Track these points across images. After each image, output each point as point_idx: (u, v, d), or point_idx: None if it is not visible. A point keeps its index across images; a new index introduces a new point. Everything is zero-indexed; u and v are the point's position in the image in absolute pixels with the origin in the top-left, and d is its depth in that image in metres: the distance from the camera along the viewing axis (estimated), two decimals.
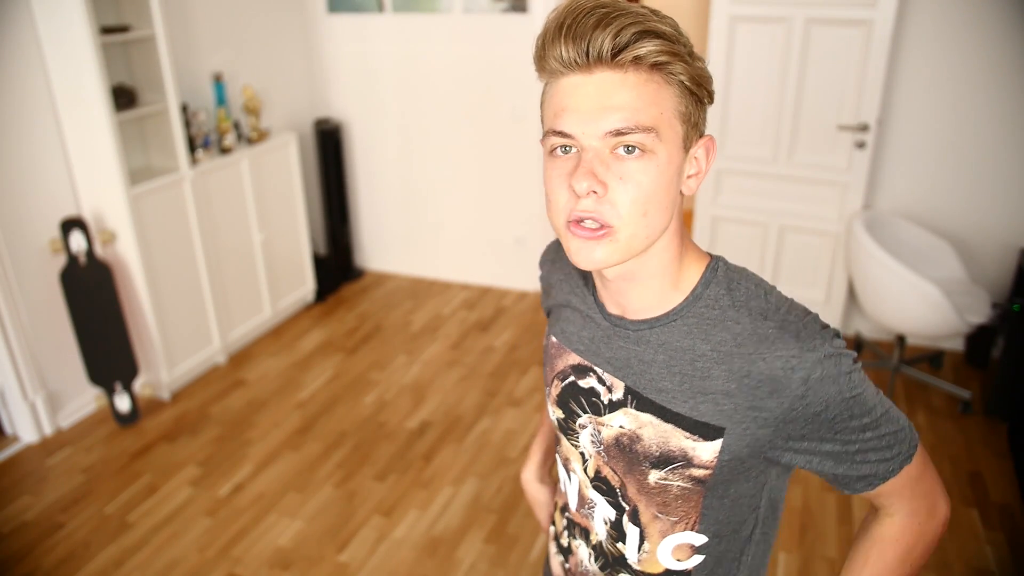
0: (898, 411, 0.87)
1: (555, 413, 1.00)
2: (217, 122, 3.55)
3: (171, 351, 3.37)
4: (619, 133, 0.75)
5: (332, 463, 2.97)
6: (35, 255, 3.04)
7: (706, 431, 0.84)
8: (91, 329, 3.13)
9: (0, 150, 2.87)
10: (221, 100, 3.60)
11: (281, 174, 3.91)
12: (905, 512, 0.90)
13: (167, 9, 3.25)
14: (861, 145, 3.37)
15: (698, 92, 0.79)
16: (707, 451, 0.85)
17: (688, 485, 0.88)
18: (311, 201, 4.46)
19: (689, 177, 0.83)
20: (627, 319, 0.89)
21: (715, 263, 0.89)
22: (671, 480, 0.88)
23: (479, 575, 2.44)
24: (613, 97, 0.74)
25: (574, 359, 0.96)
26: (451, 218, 4.42)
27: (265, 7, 3.96)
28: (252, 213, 3.72)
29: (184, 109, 3.32)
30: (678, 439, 0.86)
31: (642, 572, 0.97)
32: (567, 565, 1.09)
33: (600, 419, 0.93)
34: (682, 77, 0.77)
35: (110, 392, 3.21)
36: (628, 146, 0.76)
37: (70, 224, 3.02)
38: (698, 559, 0.94)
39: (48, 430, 3.17)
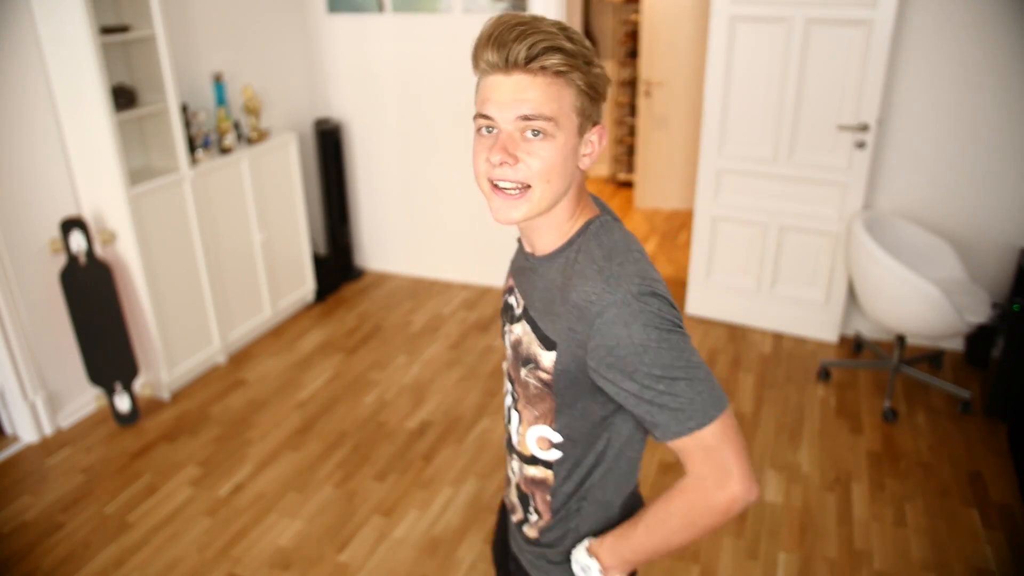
0: (709, 386, 1.01)
1: (501, 320, 1.30)
2: (217, 122, 3.55)
3: (171, 351, 3.38)
4: (526, 119, 0.99)
5: (332, 463, 2.97)
6: (35, 255, 3.04)
7: (547, 343, 1.08)
8: (91, 329, 3.13)
9: (0, 150, 2.87)
10: (221, 100, 3.60)
11: (281, 174, 3.91)
12: (694, 474, 1.03)
13: (167, 9, 3.25)
14: (861, 145, 3.38)
15: (592, 93, 1.02)
16: (547, 359, 1.09)
17: (540, 385, 1.12)
18: (311, 201, 4.47)
19: (584, 156, 1.06)
20: (534, 256, 1.15)
21: (591, 221, 1.10)
22: (531, 379, 1.13)
23: (479, 575, 2.44)
24: (524, 93, 0.98)
25: (510, 281, 1.25)
26: (451, 218, 4.42)
27: (265, 7, 3.96)
28: (252, 213, 3.72)
29: (184, 109, 3.32)
30: (535, 347, 1.11)
31: (520, 453, 1.23)
32: (507, 471, 1.34)
33: (511, 327, 1.20)
34: (579, 82, 1.00)
35: (110, 392, 3.21)
36: (534, 130, 0.99)
37: (70, 224, 3.02)
38: (556, 454, 1.17)
39: (48, 430, 3.17)
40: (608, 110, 6.41)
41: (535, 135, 1.00)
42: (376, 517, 2.69)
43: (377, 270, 4.74)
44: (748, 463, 1.02)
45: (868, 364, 3.49)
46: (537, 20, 0.99)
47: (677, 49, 5.41)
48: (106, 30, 2.95)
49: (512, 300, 1.22)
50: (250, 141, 3.73)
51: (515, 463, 1.26)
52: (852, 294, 3.70)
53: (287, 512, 2.72)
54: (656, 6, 5.37)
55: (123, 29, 3.04)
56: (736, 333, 3.91)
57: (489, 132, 1.03)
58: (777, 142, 3.57)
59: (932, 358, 3.53)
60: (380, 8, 4.10)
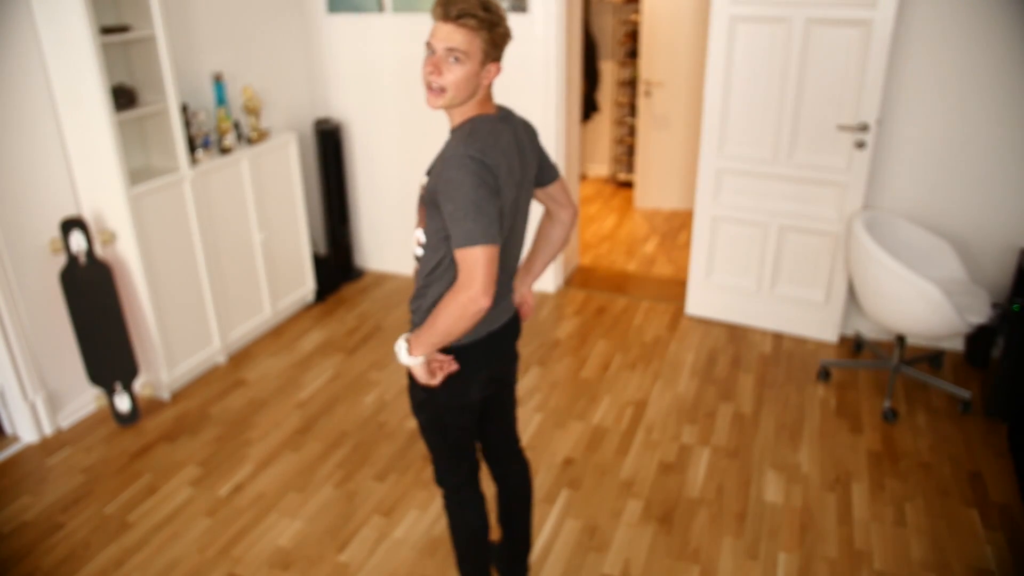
0: (486, 224, 1.60)
1: None
2: (217, 122, 3.55)
3: (171, 351, 3.38)
4: (450, 50, 1.62)
5: (332, 463, 2.97)
6: (35, 255, 3.04)
7: (428, 172, 1.74)
8: (91, 329, 3.13)
9: (0, 150, 2.87)
10: (221, 100, 3.60)
11: (281, 174, 3.91)
12: (458, 280, 1.64)
13: (167, 9, 3.26)
14: (861, 145, 3.38)
15: (494, 43, 1.66)
16: (425, 181, 1.74)
17: (420, 199, 1.77)
18: (311, 201, 4.47)
19: (484, 78, 1.69)
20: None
21: (475, 118, 1.72)
22: (421, 195, 1.76)
23: None
24: (451, 35, 1.62)
25: None
26: None
27: (265, 7, 3.96)
28: (252, 213, 3.72)
29: (184, 109, 3.32)
30: (428, 182, 1.72)
31: (414, 254, 1.93)
32: None
33: (425, 177, 1.77)
34: (484, 36, 1.63)
35: (110, 392, 3.21)
36: (454, 57, 1.63)
37: (70, 224, 3.02)
38: (420, 251, 1.80)
39: (48, 430, 3.17)
40: (608, 110, 6.41)
41: (456, 60, 1.63)
42: (376, 517, 2.69)
43: (377, 270, 4.74)
44: (489, 284, 1.60)
45: (868, 364, 3.49)
46: None
47: (677, 49, 5.41)
48: (106, 30, 2.95)
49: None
50: (250, 141, 3.73)
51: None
52: (852, 294, 3.70)
53: (287, 512, 2.72)
54: (656, 6, 5.37)
55: (123, 29, 3.04)
56: (736, 333, 3.91)
57: (431, 54, 1.65)
58: (777, 142, 3.57)
59: (932, 358, 3.53)
60: (380, 8, 4.10)
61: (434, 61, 1.64)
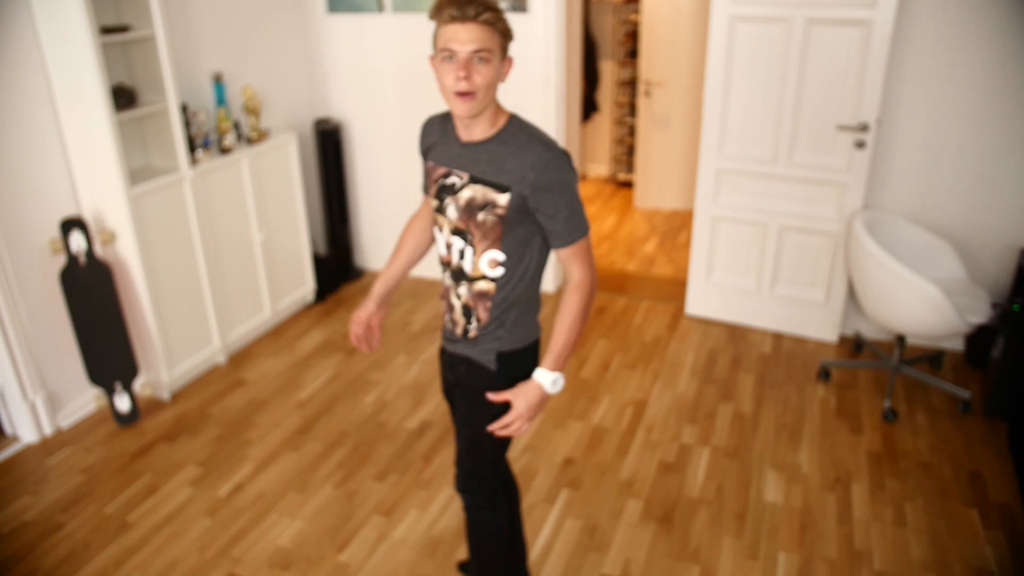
0: (584, 215, 1.70)
1: (433, 203, 1.82)
2: (217, 122, 3.55)
3: (171, 351, 3.38)
4: (477, 51, 1.58)
5: (332, 463, 2.97)
6: (35, 255, 3.04)
7: (502, 188, 1.67)
8: (91, 329, 3.13)
9: (0, 150, 2.87)
10: (221, 100, 3.60)
11: (281, 174, 3.91)
12: (577, 274, 1.72)
13: (167, 9, 3.26)
14: (861, 145, 3.38)
15: (507, 37, 1.64)
16: (503, 199, 1.68)
17: (495, 219, 1.70)
18: (311, 201, 4.47)
19: (503, 74, 1.66)
20: (472, 142, 1.72)
21: (512, 117, 1.71)
22: (488, 217, 1.70)
23: None
24: (476, 35, 1.57)
25: (443, 170, 1.78)
26: None
27: (265, 7, 3.96)
28: (252, 213, 3.72)
29: (184, 109, 3.32)
30: (492, 194, 1.69)
31: (471, 277, 1.79)
32: (448, 303, 1.88)
33: (457, 196, 1.74)
34: (500, 31, 1.61)
35: (110, 392, 3.21)
36: (481, 57, 1.58)
37: (70, 224, 3.02)
38: (500, 271, 1.75)
39: (48, 430, 3.17)
40: (608, 110, 6.41)
41: (481, 60, 1.59)
42: (376, 517, 2.69)
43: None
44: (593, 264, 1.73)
45: (868, 364, 3.49)
46: None
47: (677, 49, 5.41)
48: (106, 30, 2.95)
49: (454, 179, 1.75)
50: (250, 141, 3.73)
51: (462, 288, 1.81)
52: (852, 294, 3.70)
53: (287, 512, 2.72)
54: (656, 6, 5.37)
55: (123, 29, 3.04)
56: (736, 333, 3.91)
57: (450, 59, 1.59)
58: (777, 142, 3.57)
59: (932, 358, 3.53)
60: (380, 8, 4.10)
61: (463, 65, 1.57)
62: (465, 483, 1.97)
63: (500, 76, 1.64)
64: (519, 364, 1.83)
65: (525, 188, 1.64)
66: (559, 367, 1.73)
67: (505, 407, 1.81)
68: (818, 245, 3.65)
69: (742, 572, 2.42)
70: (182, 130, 3.25)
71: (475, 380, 1.85)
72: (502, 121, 1.70)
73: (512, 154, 1.65)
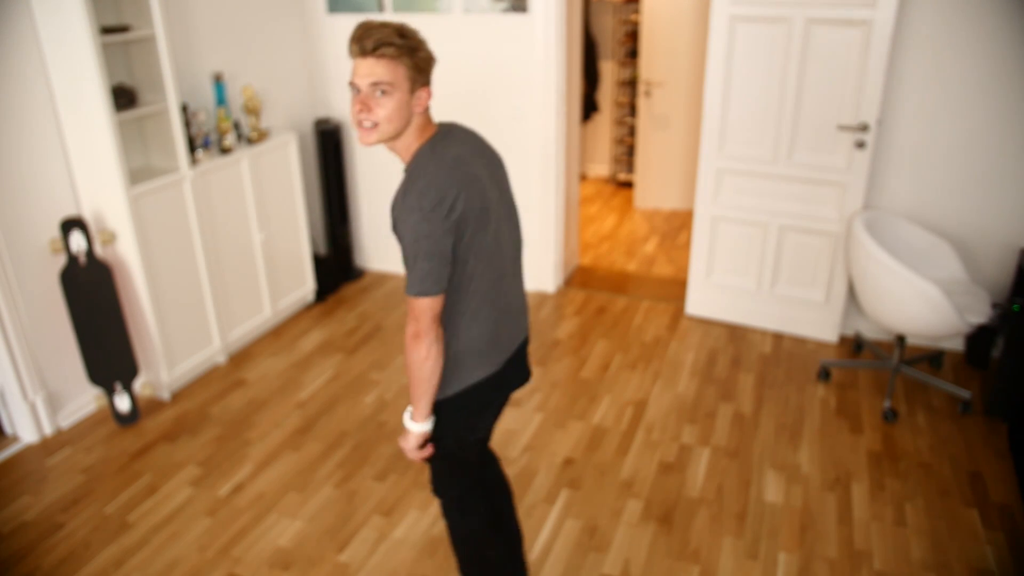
0: (421, 273, 1.62)
1: None
2: (217, 122, 3.55)
3: (171, 351, 3.38)
4: (375, 84, 1.60)
5: (332, 463, 2.97)
6: (35, 255, 3.04)
7: (392, 222, 1.67)
8: (91, 329, 3.13)
9: (0, 150, 2.87)
10: (221, 100, 3.60)
11: (281, 174, 3.91)
12: (407, 328, 1.69)
13: (167, 9, 3.25)
14: (861, 145, 3.38)
15: (419, 69, 1.63)
16: (392, 228, 1.68)
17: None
18: (311, 201, 4.46)
19: (415, 105, 1.65)
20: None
21: (422, 148, 1.69)
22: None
23: None
24: (373, 69, 1.59)
25: None
26: None
27: (265, 7, 3.96)
28: (252, 213, 3.72)
29: (184, 109, 3.32)
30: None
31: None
32: None
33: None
34: (407, 63, 1.60)
35: (110, 392, 3.21)
36: (381, 90, 1.60)
37: (70, 224, 3.02)
38: None
39: (48, 430, 3.17)
40: (608, 110, 6.41)
41: (382, 93, 1.60)
42: (376, 517, 2.69)
43: (377, 270, 4.74)
44: (429, 322, 1.66)
45: (868, 364, 3.49)
46: (384, 24, 1.59)
47: (677, 49, 5.41)
48: (106, 30, 2.95)
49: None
50: (250, 141, 3.73)
51: None
52: (852, 294, 3.70)
53: (287, 512, 2.72)
54: (656, 6, 5.37)
55: (123, 29, 3.04)
56: (736, 333, 3.91)
57: (356, 93, 1.62)
58: (777, 142, 3.57)
59: (932, 358, 3.53)
60: (380, 8, 4.10)
61: (361, 99, 1.61)
62: (433, 489, 2.04)
63: (408, 108, 1.63)
64: (449, 417, 1.85)
65: (394, 227, 1.66)
66: (416, 409, 1.79)
67: (439, 443, 1.89)
68: (818, 245, 3.65)
69: (742, 572, 2.42)
70: (182, 130, 3.25)
71: None
72: (414, 151, 1.70)
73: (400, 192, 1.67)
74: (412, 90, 1.63)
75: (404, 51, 1.59)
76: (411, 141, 1.70)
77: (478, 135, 1.86)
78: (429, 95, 1.67)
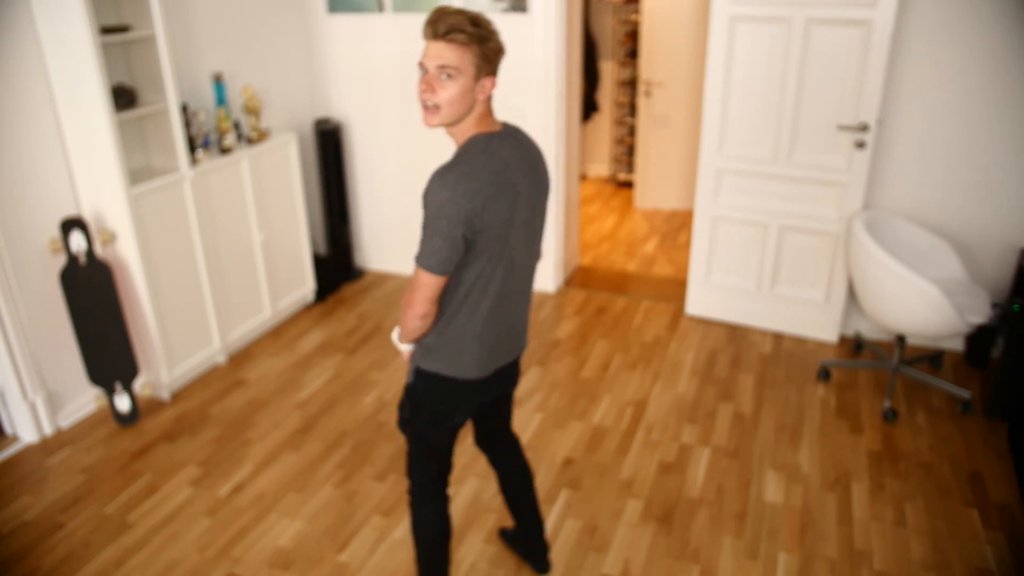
0: (437, 245, 1.67)
1: None
2: (217, 122, 3.55)
3: (171, 351, 3.38)
4: (442, 67, 1.64)
5: (332, 463, 2.97)
6: (35, 255, 3.04)
7: (426, 192, 1.70)
8: (91, 329, 3.13)
9: (0, 150, 2.87)
10: (221, 100, 3.60)
11: (281, 174, 3.91)
12: (410, 286, 1.78)
13: (167, 9, 3.25)
14: (861, 145, 3.38)
15: (486, 58, 1.67)
16: None
17: None
18: (311, 201, 4.47)
19: (479, 92, 1.69)
20: None
21: (474, 137, 1.73)
22: None
23: (479, 575, 2.44)
24: (442, 52, 1.64)
25: None
26: None
27: (265, 7, 3.96)
28: (252, 213, 3.72)
29: (184, 109, 3.32)
30: None
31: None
32: None
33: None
34: (475, 51, 1.64)
35: (110, 392, 3.21)
36: (447, 73, 1.65)
37: (70, 224, 3.02)
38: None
39: (48, 430, 3.17)
40: (608, 110, 6.41)
41: (447, 77, 1.65)
42: (376, 517, 2.69)
43: (377, 270, 4.74)
44: (423, 298, 1.74)
45: (868, 364, 3.49)
46: (459, 11, 1.65)
47: (677, 49, 5.41)
48: (106, 30, 2.95)
49: None
50: (250, 141, 3.73)
51: None
52: (852, 294, 3.70)
53: (287, 512, 2.72)
54: (656, 6, 5.37)
55: (123, 29, 3.04)
56: (736, 333, 3.91)
57: (424, 73, 1.67)
58: (777, 142, 3.57)
59: (932, 358, 3.53)
60: (380, 8, 4.10)
61: (427, 80, 1.66)
62: (406, 471, 2.10)
63: (471, 95, 1.67)
64: (429, 391, 1.91)
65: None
66: (403, 336, 1.89)
67: (415, 413, 1.96)
68: (818, 245, 3.65)
69: (742, 572, 2.42)
70: (182, 130, 3.25)
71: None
72: (469, 135, 1.74)
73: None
74: (477, 77, 1.67)
75: (474, 39, 1.63)
76: (469, 127, 1.73)
77: (538, 151, 1.88)
78: (493, 84, 1.70)
